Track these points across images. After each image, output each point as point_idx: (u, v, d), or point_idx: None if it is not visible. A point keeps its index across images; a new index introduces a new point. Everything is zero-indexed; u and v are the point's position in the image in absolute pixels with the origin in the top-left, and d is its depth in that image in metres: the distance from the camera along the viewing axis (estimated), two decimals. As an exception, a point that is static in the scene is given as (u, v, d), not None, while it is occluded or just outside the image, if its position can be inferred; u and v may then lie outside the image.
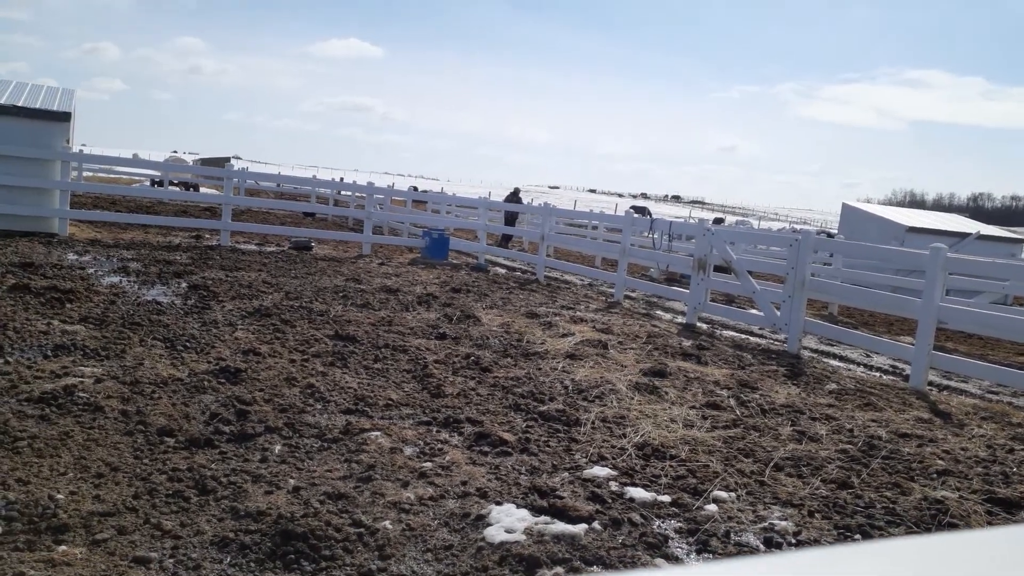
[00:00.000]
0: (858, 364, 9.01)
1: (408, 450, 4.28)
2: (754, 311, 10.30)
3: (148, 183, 31.19)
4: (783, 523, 3.73)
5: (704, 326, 10.49)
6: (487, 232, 18.08)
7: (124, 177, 34.55)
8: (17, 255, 9.83)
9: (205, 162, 63.42)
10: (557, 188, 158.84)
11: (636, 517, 3.64)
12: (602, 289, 14.05)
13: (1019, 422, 6.26)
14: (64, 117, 13.09)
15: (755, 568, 0.54)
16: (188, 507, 3.35)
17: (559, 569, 3.08)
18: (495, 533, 3.31)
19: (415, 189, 37.61)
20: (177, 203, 23.38)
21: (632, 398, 5.76)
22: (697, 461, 4.48)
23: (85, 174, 27.52)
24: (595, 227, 25.79)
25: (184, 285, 9.11)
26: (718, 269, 10.83)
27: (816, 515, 3.88)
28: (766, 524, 3.70)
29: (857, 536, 3.73)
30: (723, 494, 4.02)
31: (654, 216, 17.37)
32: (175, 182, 31.86)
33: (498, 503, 3.63)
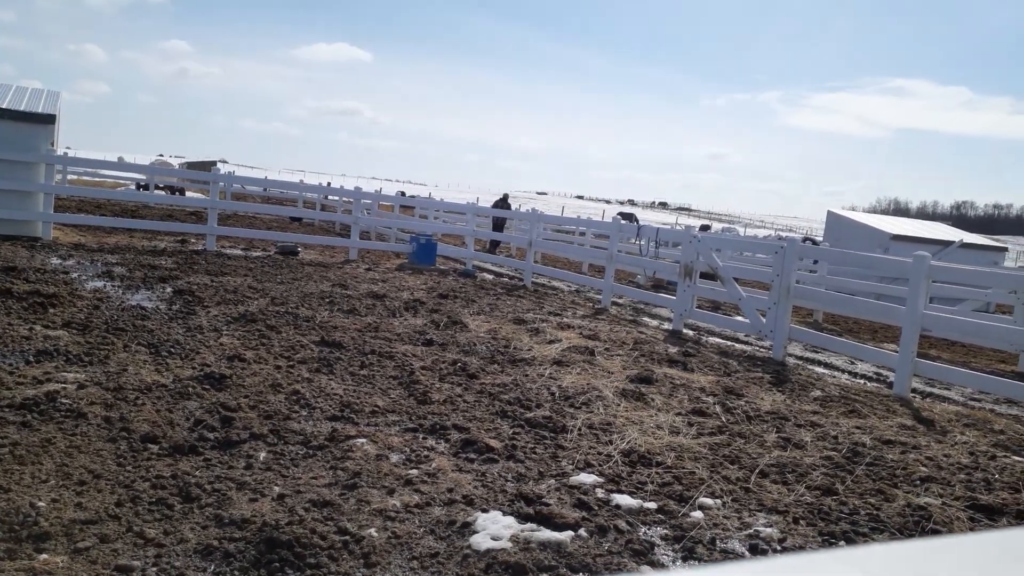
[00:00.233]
0: (843, 371, 9.07)
1: (394, 457, 4.26)
2: (740, 318, 10.34)
3: (133, 187, 30.98)
4: (768, 530, 3.74)
5: (690, 332, 10.53)
6: (475, 238, 18.08)
7: (109, 180, 34.30)
8: (-1, 259, 9.73)
9: (191, 166, 63.13)
10: (545, 194, 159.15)
11: (622, 524, 3.64)
12: (589, 295, 14.08)
13: (1001, 429, 6.32)
14: (49, 119, 12.99)
15: (735, 573, 0.54)
16: (172, 515, 3.32)
17: (545, 577, 3.08)
18: (481, 541, 3.30)
19: (403, 194, 37.55)
20: (163, 207, 23.24)
21: (619, 405, 5.76)
22: (683, 468, 4.49)
23: (70, 177, 27.30)
24: (582, 233, 25.86)
25: (169, 290, 9.05)
26: (704, 276, 10.88)
27: (801, 522, 3.90)
28: (751, 531, 3.72)
29: (841, 543, 3.75)
30: (709, 501, 4.03)
31: (641, 223, 17.42)
32: (161, 186, 31.67)
33: (484, 510, 3.63)
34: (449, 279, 13.57)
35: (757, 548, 3.56)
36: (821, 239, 27.10)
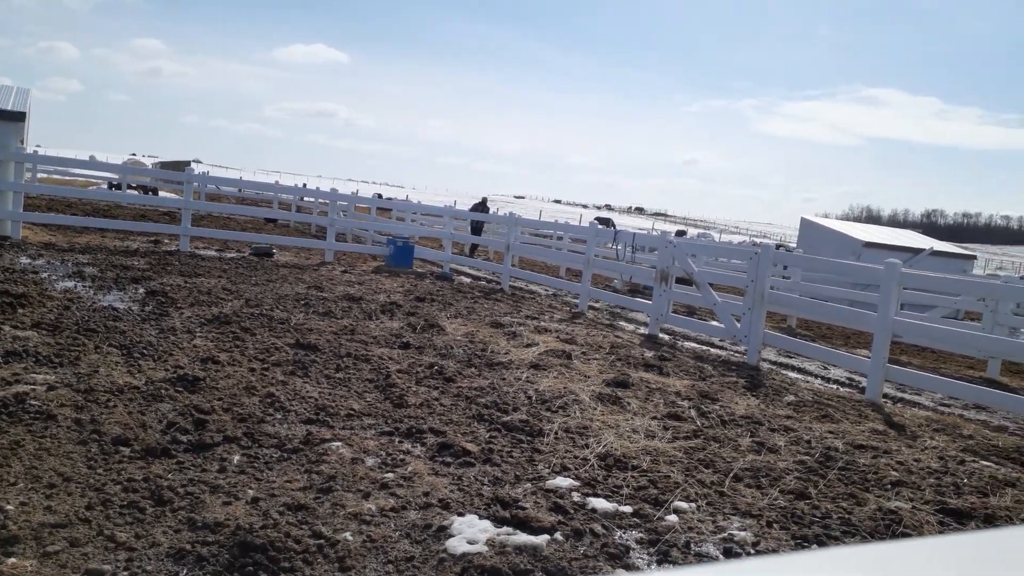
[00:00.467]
0: (816, 376, 9.18)
1: (370, 461, 4.24)
2: (715, 323, 10.43)
3: (105, 186, 30.56)
4: (742, 533, 3.77)
5: (666, 337, 10.59)
6: (452, 241, 18.06)
7: (80, 179, 33.82)
8: (-33, 258, 9.55)
9: (164, 165, 62.40)
10: (523, 198, 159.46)
11: (598, 528, 3.65)
12: (566, 299, 14.11)
13: (970, 434, 6.43)
14: (19, 117, 12.78)
15: (708, 574, 0.55)
16: (143, 518, 3.27)
17: (521, 580, 3.08)
18: (457, 544, 3.29)
19: (380, 196, 37.38)
20: (135, 207, 22.95)
21: (595, 408, 5.78)
22: (658, 472, 4.51)
23: (40, 176, 26.87)
24: (560, 238, 25.92)
25: (141, 291, 8.94)
26: (680, 281, 10.95)
27: (774, 525, 3.94)
28: (726, 534, 3.75)
29: (814, 546, 3.79)
30: (684, 504, 4.06)
31: (618, 228, 17.51)
32: (133, 185, 31.27)
33: (460, 514, 3.62)
34: (426, 282, 13.53)
35: (731, 551, 3.59)
36: (794, 245, 27.42)
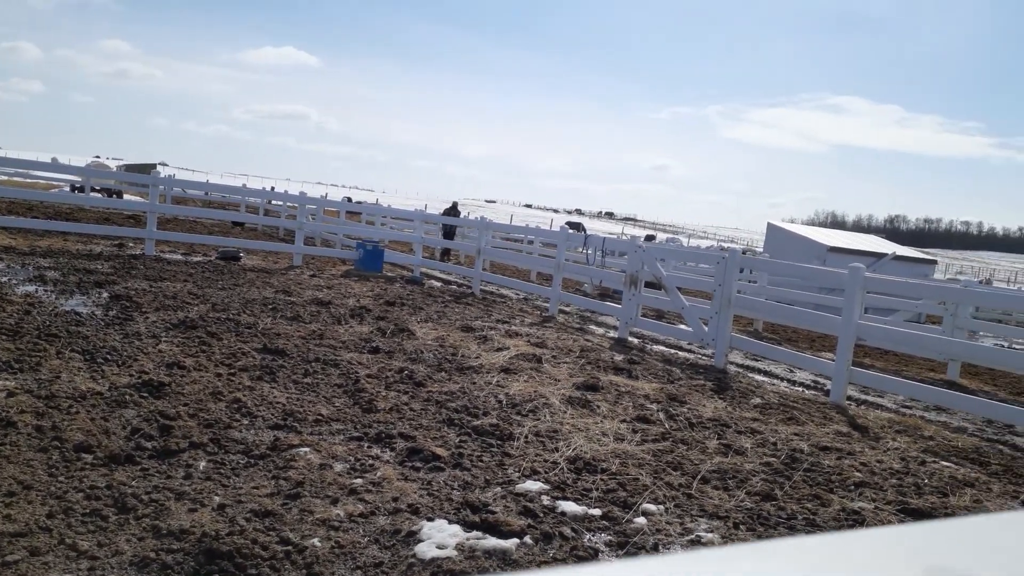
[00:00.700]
0: (782, 379, 9.30)
1: (338, 466, 4.22)
2: (683, 326, 10.53)
3: (68, 188, 29.99)
4: (709, 535, 3.81)
5: (635, 340, 10.67)
6: (423, 245, 18.01)
7: (42, 182, 33.14)
8: (-77, 261, 9.31)
9: (130, 168, 61.43)
10: (494, 202, 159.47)
11: (567, 531, 3.67)
12: (537, 303, 14.15)
13: (930, 435, 6.57)
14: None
15: (667, 565, 0.56)
16: (106, 526, 3.22)
17: (490, 584, 3.08)
18: (426, 549, 3.29)
19: (349, 200, 37.16)
20: (99, 210, 22.55)
21: (565, 412, 5.81)
22: (627, 474, 4.54)
23: (-1, 178, 26.29)
24: (531, 242, 25.98)
25: (105, 295, 8.79)
26: (649, 285, 11.04)
27: (741, 527, 3.99)
28: (693, 536, 3.78)
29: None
30: (652, 507, 4.09)
31: (588, 232, 17.61)
32: (97, 188, 30.72)
33: (430, 519, 3.61)
34: (396, 286, 13.48)
35: (699, 553, 3.63)
36: (761, 250, 27.77)
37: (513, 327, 10.00)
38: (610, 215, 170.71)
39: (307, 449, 4.37)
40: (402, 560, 3.20)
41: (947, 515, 4.42)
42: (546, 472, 4.45)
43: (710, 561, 0.55)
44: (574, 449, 4.88)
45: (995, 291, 13.47)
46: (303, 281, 12.50)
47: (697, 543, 3.71)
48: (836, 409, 7.25)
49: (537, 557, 3.37)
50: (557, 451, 4.84)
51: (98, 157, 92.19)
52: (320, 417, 5.06)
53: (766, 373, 9.56)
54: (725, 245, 49.13)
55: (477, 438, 4.99)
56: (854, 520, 4.19)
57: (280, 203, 29.32)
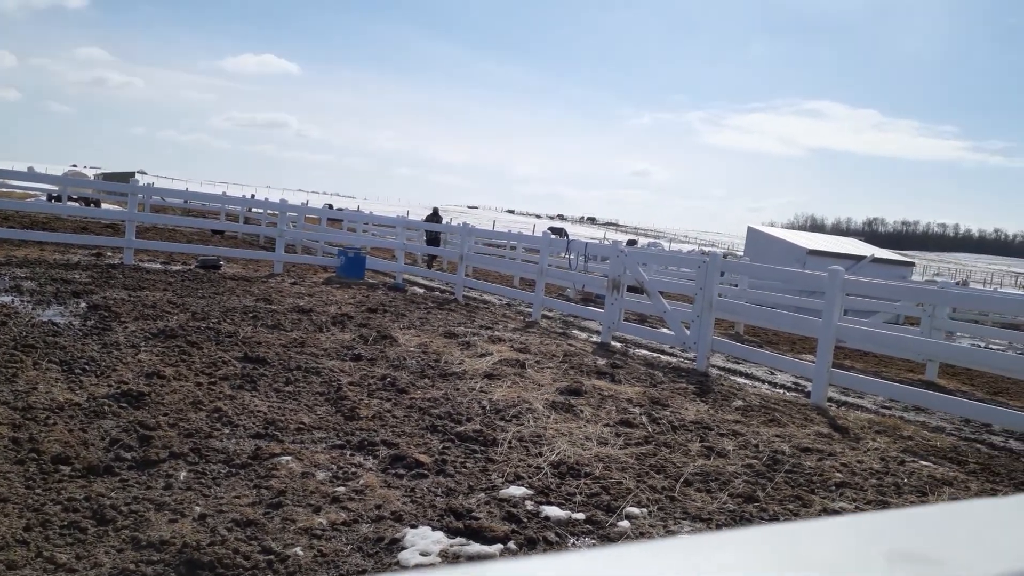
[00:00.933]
0: (763, 381, 9.37)
1: (320, 475, 4.19)
2: (665, 330, 10.58)
3: (44, 198, 29.65)
4: (693, 537, 3.83)
5: (618, 345, 10.70)
6: (406, 251, 17.97)
7: (18, 191, 32.75)
8: None
9: (108, 177, 60.88)
10: (476, 208, 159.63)
11: (551, 536, 3.67)
12: (520, 309, 14.16)
13: (909, 435, 6.64)
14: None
15: (632, 552, 0.57)
16: (85, 538, 3.18)
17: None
18: (410, 557, 3.28)
19: (330, 207, 37.02)
20: (76, 219, 22.31)
21: (548, 417, 5.81)
22: (611, 478, 4.55)
23: (-26, 187, 25.95)
24: (514, 247, 26.02)
25: (83, 305, 8.69)
26: (631, 289, 11.09)
27: (724, 529, 4.01)
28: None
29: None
30: (635, 510, 4.10)
31: (571, 237, 17.64)
32: (75, 197, 30.40)
33: (413, 526, 3.60)
34: (379, 293, 13.44)
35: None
36: (742, 254, 27.98)
37: (496, 332, 10.00)
38: (592, 220, 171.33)
39: (289, 458, 4.34)
40: (385, 568, 3.19)
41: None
42: (530, 477, 4.46)
43: (679, 549, 0.56)
44: (558, 454, 4.89)
45: (972, 292, 13.66)
46: (284, 289, 12.43)
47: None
48: (817, 410, 7.31)
49: (521, 562, 3.36)
50: (541, 456, 4.85)
51: (75, 166, 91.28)
52: (302, 425, 5.03)
53: (747, 376, 9.62)
54: (706, 249, 49.43)
55: (460, 444, 4.98)
56: (835, 520, 4.22)
57: (260, 211, 29.17)
